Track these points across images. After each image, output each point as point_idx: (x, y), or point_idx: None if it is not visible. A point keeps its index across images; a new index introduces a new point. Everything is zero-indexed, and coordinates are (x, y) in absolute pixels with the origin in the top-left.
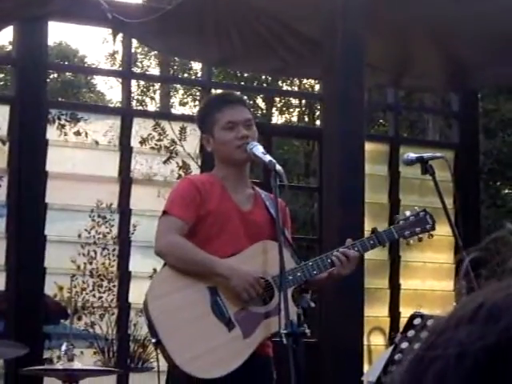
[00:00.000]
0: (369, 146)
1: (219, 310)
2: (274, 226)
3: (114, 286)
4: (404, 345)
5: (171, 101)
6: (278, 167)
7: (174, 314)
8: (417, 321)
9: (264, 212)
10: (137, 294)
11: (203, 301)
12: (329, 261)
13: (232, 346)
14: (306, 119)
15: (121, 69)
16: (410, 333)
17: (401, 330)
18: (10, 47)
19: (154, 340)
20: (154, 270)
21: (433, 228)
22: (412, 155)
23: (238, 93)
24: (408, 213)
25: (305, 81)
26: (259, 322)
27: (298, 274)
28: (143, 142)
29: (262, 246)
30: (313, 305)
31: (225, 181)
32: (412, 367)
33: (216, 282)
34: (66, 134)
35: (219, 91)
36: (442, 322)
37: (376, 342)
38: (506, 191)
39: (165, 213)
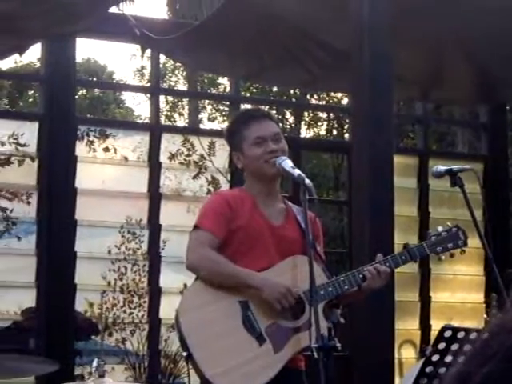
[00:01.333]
0: (398, 159)
1: (250, 324)
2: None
3: (144, 301)
4: (435, 357)
5: (200, 116)
6: (307, 181)
7: (205, 327)
8: (447, 333)
9: (296, 227)
10: (167, 309)
11: (234, 315)
12: (360, 276)
13: (263, 360)
14: (335, 132)
15: (149, 84)
16: (441, 345)
17: (431, 342)
18: (38, 64)
19: (184, 353)
20: (185, 286)
21: (465, 244)
22: (441, 167)
23: (266, 108)
24: (440, 228)
25: (332, 94)
26: (290, 336)
27: (330, 289)
28: (172, 157)
29: (292, 260)
30: (342, 320)
31: (256, 196)
32: (462, 367)
33: (248, 294)
34: (95, 151)
35: (248, 106)
36: (494, 326)
37: (407, 355)
38: None
39: (196, 227)
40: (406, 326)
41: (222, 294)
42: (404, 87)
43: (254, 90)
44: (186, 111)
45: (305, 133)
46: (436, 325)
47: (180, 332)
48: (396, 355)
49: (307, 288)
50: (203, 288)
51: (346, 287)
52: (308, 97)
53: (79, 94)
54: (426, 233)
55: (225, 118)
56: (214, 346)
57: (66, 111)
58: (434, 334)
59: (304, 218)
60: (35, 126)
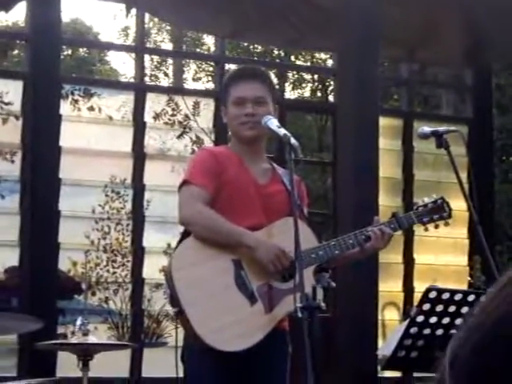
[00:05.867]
0: (383, 121)
1: (243, 283)
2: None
3: (127, 261)
4: (420, 318)
5: (184, 76)
6: (293, 141)
7: (198, 284)
8: (432, 294)
9: (281, 187)
10: (150, 269)
11: (227, 273)
12: (363, 237)
13: (254, 320)
14: (319, 94)
15: (134, 44)
16: (426, 306)
17: (416, 303)
18: (23, 23)
19: (175, 310)
20: (168, 245)
21: (449, 216)
22: (427, 129)
23: (262, 68)
24: (426, 199)
25: (317, 55)
26: (281, 297)
27: (321, 253)
28: (157, 117)
29: (285, 222)
30: (333, 284)
31: (240, 154)
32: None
33: (241, 253)
34: (79, 110)
35: (232, 66)
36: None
37: (390, 317)
38: None
39: (187, 182)
40: (390, 287)
41: (216, 251)
42: (390, 47)
43: (239, 50)
44: (170, 71)
45: (289, 94)
46: (419, 287)
47: (172, 288)
48: (379, 317)
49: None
50: (196, 245)
51: (337, 252)
52: (292, 58)
53: (64, 54)
54: (413, 203)
55: (209, 78)
56: (206, 303)
57: (51, 70)
58: (417, 296)
59: (290, 179)
60: (20, 84)
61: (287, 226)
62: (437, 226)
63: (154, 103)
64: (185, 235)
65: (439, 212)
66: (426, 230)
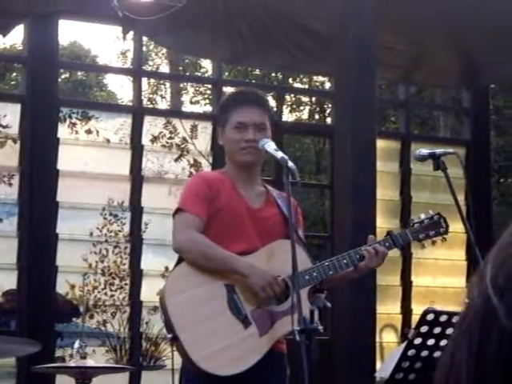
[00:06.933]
0: (380, 143)
1: (236, 307)
2: (286, 225)
3: (125, 284)
4: (417, 341)
5: (182, 99)
6: (291, 164)
7: (191, 310)
8: (430, 316)
9: (276, 210)
10: (149, 292)
11: (220, 298)
12: (357, 256)
13: (248, 343)
14: (317, 117)
15: (132, 67)
16: (424, 328)
17: (413, 326)
18: (21, 46)
19: (170, 336)
20: (166, 268)
21: (446, 232)
22: (424, 151)
23: (262, 92)
24: (423, 216)
25: (315, 78)
26: (275, 320)
27: (315, 274)
28: (154, 140)
29: (278, 244)
30: (329, 305)
31: (234, 178)
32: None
33: (233, 279)
34: (77, 133)
35: (230, 89)
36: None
37: (388, 339)
38: None
39: (179, 210)
40: (387, 310)
41: (208, 277)
42: (386, 69)
43: (237, 73)
44: (168, 94)
45: (287, 117)
46: (417, 309)
47: (166, 314)
48: (377, 339)
49: (291, 272)
50: (188, 271)
51: (331, 272)
52: (290, 80)
53: (62, 77)
54: (408, 220)
55: (207, 101)
56: (200, 328)
57: (49, 93)
58: (415, 318)
59: (285, 201)
60: (17, 107)
61: (281, 248)
62: (434, 242)
63: (152, 126)
64: (180, 260)
65: (436, 228)
66: (423, 246)
